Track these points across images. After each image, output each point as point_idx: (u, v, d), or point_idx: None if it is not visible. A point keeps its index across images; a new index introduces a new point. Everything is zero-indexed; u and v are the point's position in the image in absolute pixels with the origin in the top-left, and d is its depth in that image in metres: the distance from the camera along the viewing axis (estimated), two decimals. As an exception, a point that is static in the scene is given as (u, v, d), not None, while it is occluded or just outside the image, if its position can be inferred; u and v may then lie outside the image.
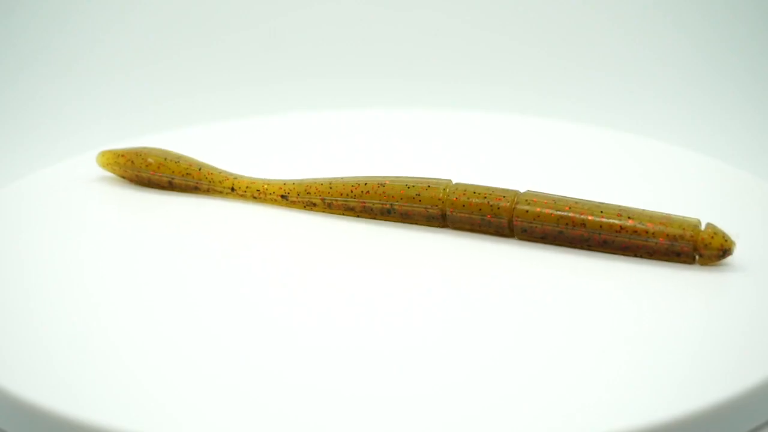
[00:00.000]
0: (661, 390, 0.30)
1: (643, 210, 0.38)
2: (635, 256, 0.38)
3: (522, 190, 0.40)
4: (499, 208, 0.39)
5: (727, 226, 0.40)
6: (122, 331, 0.34)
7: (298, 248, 0.39)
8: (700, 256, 0.37)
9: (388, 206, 0.41)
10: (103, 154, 0.46)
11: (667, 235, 0.37)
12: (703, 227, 0.37)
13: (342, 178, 0.43)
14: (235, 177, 0.45)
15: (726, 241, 0.37)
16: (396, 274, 0.37)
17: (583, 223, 0.38)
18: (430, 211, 0.40)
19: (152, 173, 0.46)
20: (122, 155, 0.46)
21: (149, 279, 0.37)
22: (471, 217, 0.40)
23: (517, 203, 0.39)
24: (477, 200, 0.40)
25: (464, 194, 0.40)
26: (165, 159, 0.46)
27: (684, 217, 0.37)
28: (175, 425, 0.29)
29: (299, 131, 0.53)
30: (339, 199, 0.42)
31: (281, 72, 0.69)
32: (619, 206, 0.38)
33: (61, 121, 0.64)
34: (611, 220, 0.38)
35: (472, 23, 0.71)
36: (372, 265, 0.38)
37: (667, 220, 0.37)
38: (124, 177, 0.46)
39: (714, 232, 0.37)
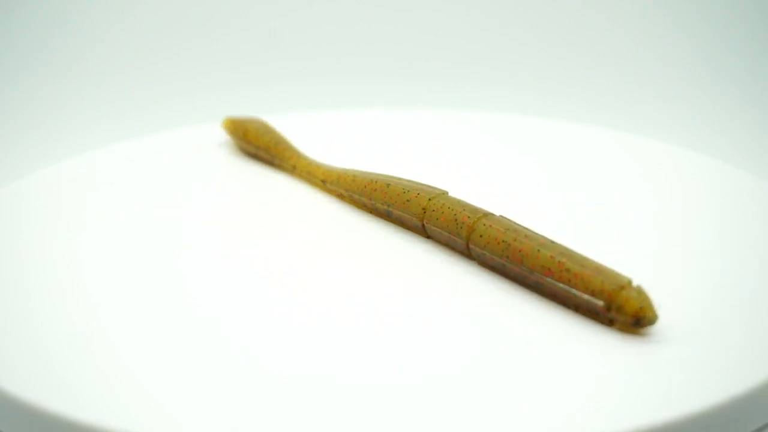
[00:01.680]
0: (661, 390, 0.30)
1: (585, 258, 0.34)
2: (565, 306, 0.34)
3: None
4: (462, 229, 0.37)
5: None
6: (122, 331, 0.34)
7: (301, 247, 0.39)
8: (615, 319, 0.32)
9: (386, 207, 0.41)
10: (226, 120, 0.49)
11: (587, 287, 0.33)
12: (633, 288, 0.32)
13: (366, 172, 0.42)
14: (299, 156, 0.46)
15: (642, 308, 0.31)
16: (397, 275, 0.37)
17: (521, 260, 0.34)
18: (414, 220, 0.39)
19: (246, 143, 0.47)
20: (233, 122, 0.49)
21: (149, 279, 0.37)
22: (441, 233, 0.38)
23: (475, 227, 0.36)
24: (448, 216, 0.38)
25: (441, 207, 0.38)
26: (257, 131, 0.47)
27: (617, 273, 0.33)
28: (175, 425, 0.29)
29: (299, 131, 0.53)
30: (356, 193, 0.42)
31: (281, 72, 0.69)
32: (564, 249, 0.34)
33: (61, 121, 0.64)
34: (542, 263, 0.34)
35: (472, 23, 0.71)
36: (373, 265, 0.38)
37: (596, 271, 0.33)
38: (236, 144, 0.49)
39: (632, 296, 0.32)
